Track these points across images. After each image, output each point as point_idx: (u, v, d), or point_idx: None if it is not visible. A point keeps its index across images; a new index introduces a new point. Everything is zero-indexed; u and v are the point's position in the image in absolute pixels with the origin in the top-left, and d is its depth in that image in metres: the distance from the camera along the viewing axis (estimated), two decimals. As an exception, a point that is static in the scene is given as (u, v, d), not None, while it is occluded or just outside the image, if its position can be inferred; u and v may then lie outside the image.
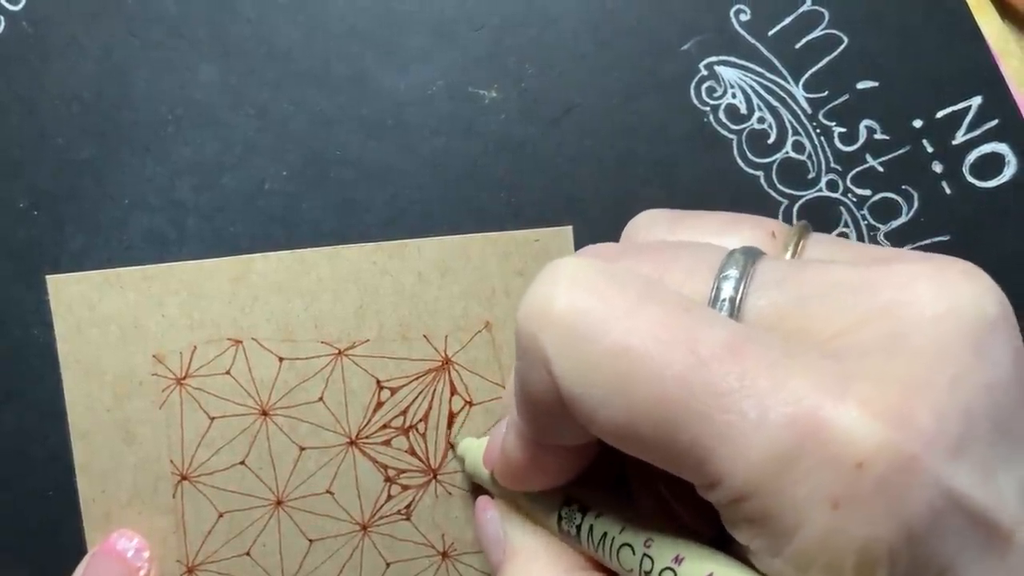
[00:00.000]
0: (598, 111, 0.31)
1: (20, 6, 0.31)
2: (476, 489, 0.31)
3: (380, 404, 0.31)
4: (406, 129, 0.31)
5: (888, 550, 0.16)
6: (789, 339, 0.19)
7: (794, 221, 0.31)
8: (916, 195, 0.31)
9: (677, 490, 0.23)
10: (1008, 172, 0.31)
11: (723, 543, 0.20)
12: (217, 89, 0.31)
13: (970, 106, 0.31)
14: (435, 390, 0.31)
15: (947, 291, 0.18)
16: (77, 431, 0.31)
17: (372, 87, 0.31)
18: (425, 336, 0.31)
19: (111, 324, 0.30)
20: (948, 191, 0.31)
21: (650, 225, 0.25)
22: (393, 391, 0.31)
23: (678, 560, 0.20)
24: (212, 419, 0.31)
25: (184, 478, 0.31)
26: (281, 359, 0.31)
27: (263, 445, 0.31)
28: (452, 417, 0.31)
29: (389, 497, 0.31)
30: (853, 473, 0.16)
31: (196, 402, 0.31)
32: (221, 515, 0.31)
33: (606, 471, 0.25)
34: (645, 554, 0.21)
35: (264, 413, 0.31)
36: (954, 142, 0.31)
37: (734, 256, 0.21)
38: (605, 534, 0.23)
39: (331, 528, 0.31)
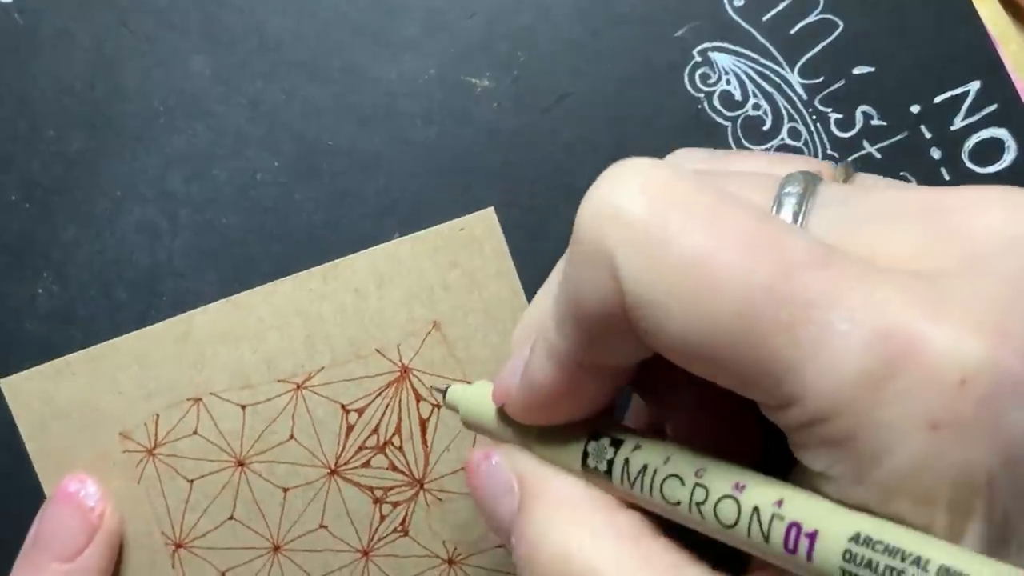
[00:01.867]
0: (592, 99, 0.31)
1: (12, -2, 0.31)
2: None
3: (351, 428, 0.31)
4: (398, 118, 0.31)
5: (988, 476, 0.15)
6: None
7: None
8: (915, 181, 0.31)
9: (717, 416, 0.22)
10: (1008, 157, 0.31)
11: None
12: (208, 80, 0.31)
13: (968, 91, 0.31)
14: (400, 401, 0.31)
15: (1018, 213, 0.17)
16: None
17: (364, 77, 0.31)
18: (378, 350, 0.31)
19: (72, 412, 0.31)
20: (947, 177, 0.31)
21: (691, 160, 0.24)
22: (360, 412, 0.31)
23: (739, 487, 0.18)
24: (191, 482, 0.31)
25: (179, 546, 0.31)
26: (243, 407, 0.31)
27: (247, 496, 0.31)
28: (424, 424, 0.31)
29: (382, 517, 0.31)
30: (955, 392, 0.15)
31: (172, 469, 0.31)
32: (223, 574, 0.31)
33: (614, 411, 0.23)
34: (697, 483, 0.19)
35: (240, 464, 0.31)
36: (953, 128, 0.31)
37: (795, 176, 0.20)
38: (645, 467, 0.20)
39: (333, 561, 0.31)
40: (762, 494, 0.18)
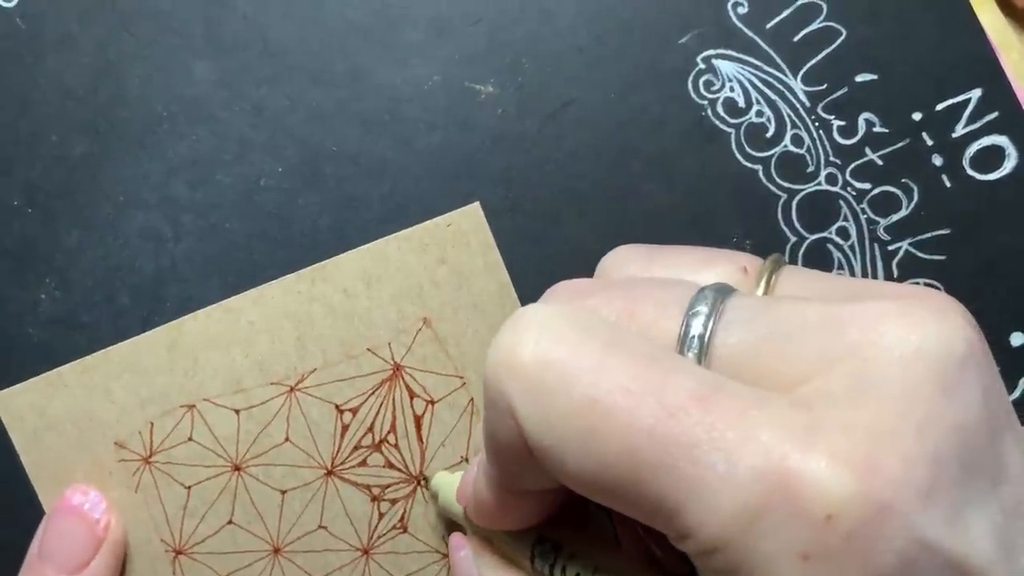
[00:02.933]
0: (595, 105, 0.31)
1: (14, 3, 0.31)
2: (449, 524, 0.31)
3: (345, 428, 0.31)
4: (403, 124, 0.31)
5: None
6: (758, 381, 0.19)
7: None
8: (916, 188, 0.31)
9: (655, 532, 0.23)
10: (1008, 165, 0.31)
11: None
12: (212, 85, 0.31)
13: (970, 99, 0.31)
14: (394, 399, 0.31)
15: (914, 331, 0.18)
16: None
17: (368, 82, 0.31)
18: (369, 349, 0.31)
19: (66, 424, 0.31)
20: (948, 184, 0.31)
21: (624, 262, 0.25)
22: (354, 411, 0.31)
23: None
24: (188, 488, 0.31)
25: (179, 553, 0.31)
26: (237, 411, 0.31)
27: (245, 500, 0.31)
28: (418, 420, 0.31)
29: (381, 515, 0.31)
30: (822, 526, 0.16)
31: (169, 476, 0.31)
32: None
33: (581, 508, 0.25)
34: None
35: (236, 468, 0.31)
36: (954, 135, 0.31)
37: (704, 293, 0.20)
38: (578, 574, 0.23)
39: (334, 561, 0.31)
40: None
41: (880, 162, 0.31)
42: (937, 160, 0.31)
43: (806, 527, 0.16)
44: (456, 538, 0.28)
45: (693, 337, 0.20)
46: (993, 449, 0.18)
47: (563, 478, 0.19)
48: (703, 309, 0.20)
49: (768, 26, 0.31)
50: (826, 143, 0.31)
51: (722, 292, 0.20)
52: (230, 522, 0.31)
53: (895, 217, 0.31)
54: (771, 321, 0.19)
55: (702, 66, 0.31)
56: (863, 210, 0.31)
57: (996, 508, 0.17)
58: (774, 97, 0.31)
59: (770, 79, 0.31)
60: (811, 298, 0.20)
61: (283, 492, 0.31)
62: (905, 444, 0.17)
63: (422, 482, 0.31)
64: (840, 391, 0.18)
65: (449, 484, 0.29)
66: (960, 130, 0.31)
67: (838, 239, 0.31)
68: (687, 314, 0.20)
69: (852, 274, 0.31)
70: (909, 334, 0.18)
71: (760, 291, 0.22)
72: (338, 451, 0.31)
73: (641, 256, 0.25)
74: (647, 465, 0.17)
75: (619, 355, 0.19)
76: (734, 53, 0.31)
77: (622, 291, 0.22)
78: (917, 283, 0.31)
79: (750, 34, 0.31)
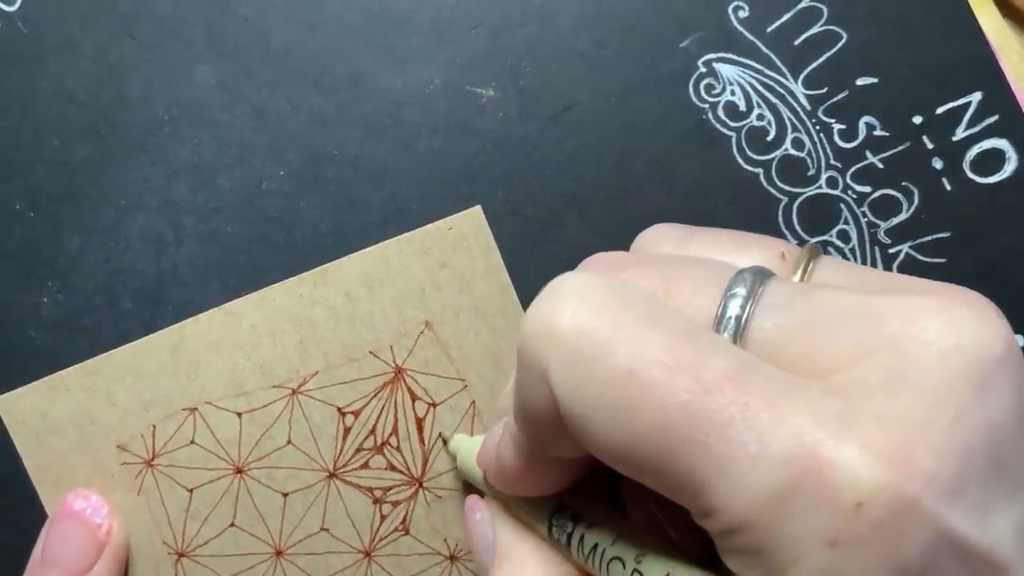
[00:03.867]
0: (596, 109, 0.31)
1: (15, 6, 0.31)
2: (467, 487, 0.31)
3: (347, 430, 0.31)
4: (404, 128, 0.31)
5: None
6: (792, 367, 0.19)
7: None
8: (916, 192, 0.31)
9: (668, 509, 0.23)
10: (1008, 168, 0.31)
11: (713, 563, 0.20)
12: (213, 89, 0.31)
13: (970, 102, 0.31)
14: (396, 401, 0.31)
15: (953, 327, 0.18)
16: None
17: (369, 86, 0.31)
18: (371, 352, 0.31)
19: (68, 427, 0.31)
20: (949, 187, 0.31)
21: (660, 239, 0.25)
22: (356, 414, 0.31)
23: None
24: (191, 491, 0.31)
25: (181, 555, 0.31)
26: (239, 414, 0.31)
27: (247, 502, 0.31)
28: (420, 423, 0.31)
29: (383, 517, 0.31)
30: (852, 513, 0.16)
31: (171, 479, 0.31)
32: None
33: (601, 480, 0.25)
34: (636, 569, 0.21)
35: (239, 471, 0.31)
36: (954, 138, 0.31)
37: (743, 275, 0.20)
38: (596, 545, 0.22)
39: (336, 563, 0.31)
40: None
41: (881, 165, 0.31)
42: (937, 163, 0.31)
43: (835, 513, 0.16)
44: (472, 500, 0.28)
45: (730, 318, 0.20)
46: (1022, 448, 0.18)
47: (592, 448, 0.19)
48: (741, 291, 0.20)
49: (769, 30, 0.31)
50: (827, 146, 0.31)
51: (761, 275, 0.20)
52: (232, 524, 0.31)
53: (895, 220, 0.31)
54: (809, 308, 0.19)
55: (703, 69, 0.31)
56: (864, 213, 0.31)
57: (1022, 509, 0.17)
58: (775, 100, 0.31)
59: (771, 83, 0.31)
60: (849, 288, 0.20)
61: (285, 495, 0.31)
62: (937, 438, 0.17)
63: (441, 441, 0.31)
64: (876, 382, 0.18)
65: (469, 447, 0.29)
66: (960, 133, 0.31)
67: (839, 242, 0.31)
68: (725, 295, 0.20)
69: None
70: (948, 330, 0.18)
71: (797, 278, 0.22)
72: (340, 454, 0.31)
73: (677, 235, 0.25)
74: (678, 440, 0.18)
75: (657, 329, 0.19)
76: (735, 57, 0.31)
77: (659, 267, 0.22)
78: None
79: (751, 38, 0.31)
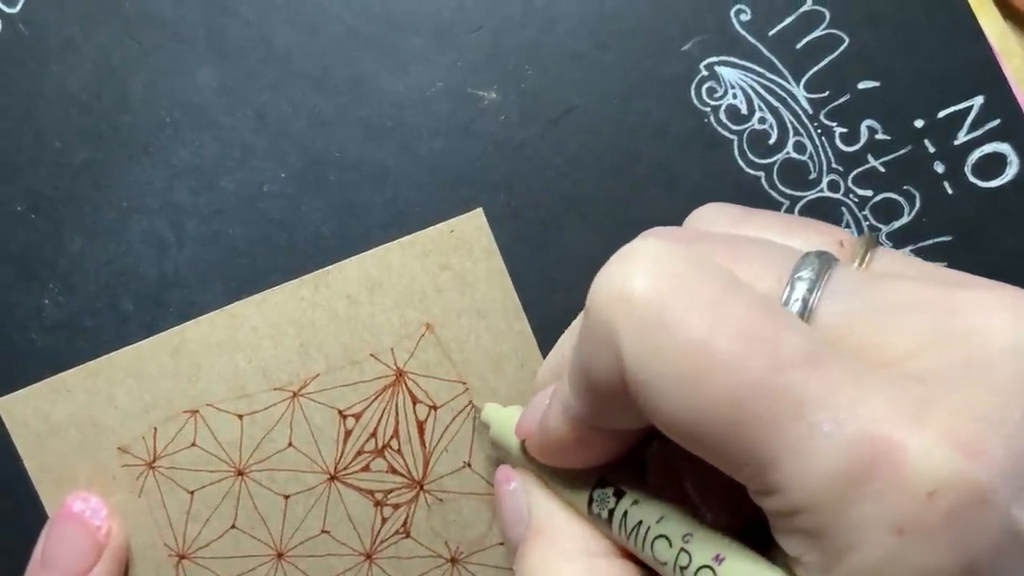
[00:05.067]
0: (598, 112, 0.31)
1: (17, 8, 0.31)
2: (496, 462, 0.30)
3: (348, 433, 0.31)
4: (405, 130, 0.31)
5: None
6: (859, 353, 0.18)
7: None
8: (918, 195, 0.31)
9: (704, 490, 0.22)
10: (1010, 172, 0.31)
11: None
12: (215, 91, 0.31)
13: (972, 106, 0.31)
14: (397, 404, 0.31)
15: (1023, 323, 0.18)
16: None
17: (371, 88, 0.31)
18: (372, 355, 0.31)
19: (69, 429, 0.31)
20: (950, 191, 0.31)
21: (718, 216, 0.25)
22: (357, 417, 0.31)
23: (718, 559, 0.19)
24: (192, 493, 0.31)
25: (182, 557, 0.31)
26: (241, 416, 0.31)
27: (248, 504, 0.31)
28: (421, 425, 0.31)
29: (383, 520, 0.31)
30: (923, 501, 0.16)
31: (172, 481, 0.31)
32: None
33: (638, 456, 0.24)
34: (683, 548, 0.20)
35: (240, 473, 0.31)
36: (956, 142, 0.31)
37: (809, 258, 0.20)
38: (640, 523, 0.22)
39: (337, 565, 0.31)
40: (737, 569, 0.19)
41: (882, 169, 0.31)
42: (939, 167, 0.31)
43: (906, 500, 0.16)
44: (504, 470, 0.27)
45: (797, 300, 0.19)
46: None
47: (657, 419, 0.19)
48: (809, 274, 0.20)
49: (771, 33, 0.31)
50: (828, 150, 0.31)
51: (827, 260, 0.20)
52: (233, 526, 0.31)
53: (897, 224, 0.31)
54: (878, 295, 0.19)
55: (705, 73, 0.31)
56: (865, 217, 0.31)
57: None
58: (776, 104, 0.31)
59: (773, 86, 0.31)
60: (915, 278, 0.20)
61: (286, 497, 0.31)
62: (1012, 433, 0.17)
63: (474, 411, 0.30)
64: (951, 372, 0.17)
65: (505, 416, 0.28)
66: (962, 137, 0.31)
67: (840, 246, 0.31)
68: (792, 277, 0.20)
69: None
70: (1019, 325, 0.18)
71: (855, 266, 0.22)
72: (341, 456, 0.31)
73: (734, 214, 0.24)
74: (749, 415, 0.17)
75: (735, 301, 0.18)
76: (737, 60, 0.31)
77: (724, 244, 0.21)
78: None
79: (753, 41, 0.31)
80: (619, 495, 0.23)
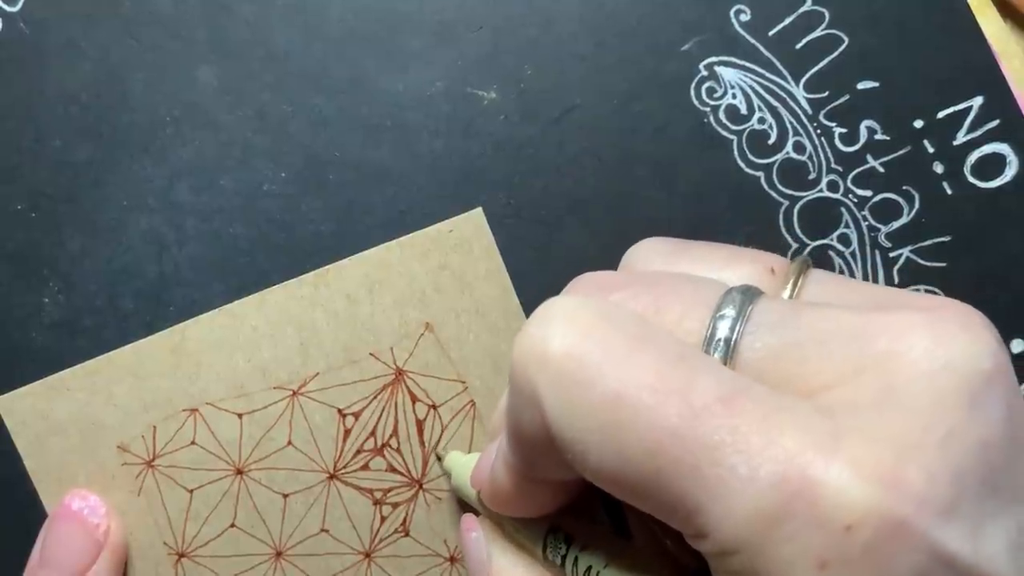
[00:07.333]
0: (598, 112, 0.31)
1: (17, 7, 0.31)
2: (462, 504, 0.31)
3: (347, 432, 0.31)
4: (405, 130, 0.31)
5: None
6: (782, 386, 0.19)
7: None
8: (917, 196, 0.31)
9: (672, 534, 0.23)
10: (1009, 173, 0.31)
11: None
12: (215, 91, 0.31)
13: (971, 106, 0.31)
14: (396, 403, 0.31)
15: (942, 344, 0.18)
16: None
17: (371, 88, 0.31)
18: (372, 354, 0.31)
19: (68, 428, 0.31)
20: (949, 192, 0.31)
21: (650, 255, 0.25)
22: (356, 415, 0.31)
23: None
24: (191, 492, 0.31)
25: (181, 556, 0.31)
26: (240, 415, 0.31)
27: (247, 503, 0.31)
28: (420, 424, 0.31)
29: (382, 519, 0.31)
30: (841, 535, 0.16)
31: (171, 480, 0.31)
32: None
33: (594, 501, 0.25)
34: None
35: (239, 472, 0.31)
36: (955, 142, 0.31)
37: (731, 295, 0.20)
38: (590, 567, 0.23)
39: (336, 564, 0.31)
40: None
41: (881, 169, 0.31)
42: (938, 167, 0.31)
43: (825, 535, 0.16)
44: (468, 520, 0.28)
45: (719, 340, 0.20)
46: (1013, 466, 0.18)
47: (584, 471, 0.19)
48: (730, 312, 0.20)
49: (771, 33, 0.31)
50: (828, 150, 0.31)
51: (749, 295, 0.20)
52: (232, 525, 0.31)
53: (896, 224, 0.31)
54: (798, 327, 0.20)
55: (704, 73, 0.31)
56: (864, 217, 0.31)
57: (1014, 525, 0.17)
58: (776, 104, 0.31)
59: (772, 86, 0.31)
60: (838, 306, 0.20)
61: (285, 496, 0.31)
62: (928, 458, 0.17)
63: (436, 456, 0.31)
64: (865, 401, 0.18)
65: (463, 465, 0.29)
66: (961, 138, 0.31)
67: (839, 246, 0.31)
68: (714, 316, 0.20)
69: (853, 281, 0.31)
70: (937, 347, 0.18)
71: (787, 294, 0.22)
72: (340, 455, 0.31)
73: (667, 250, 0.25)
74: (669, 463, 0.18)
75: (646, 351, 0.19)
76: (736, 60, 0.31)
77: (648, 287, 0.22)
78: (918, 290, 0.31)
79: (752, 41, 0.31)
80: (568, 541, 0.24)
